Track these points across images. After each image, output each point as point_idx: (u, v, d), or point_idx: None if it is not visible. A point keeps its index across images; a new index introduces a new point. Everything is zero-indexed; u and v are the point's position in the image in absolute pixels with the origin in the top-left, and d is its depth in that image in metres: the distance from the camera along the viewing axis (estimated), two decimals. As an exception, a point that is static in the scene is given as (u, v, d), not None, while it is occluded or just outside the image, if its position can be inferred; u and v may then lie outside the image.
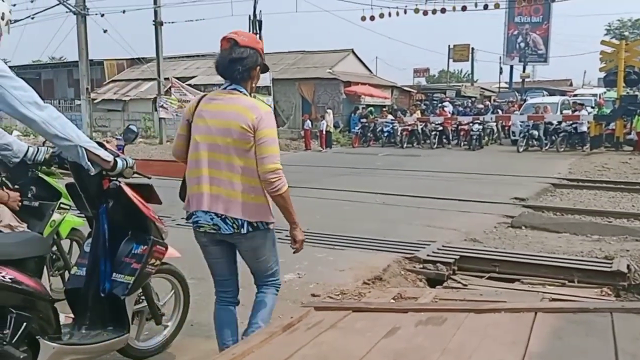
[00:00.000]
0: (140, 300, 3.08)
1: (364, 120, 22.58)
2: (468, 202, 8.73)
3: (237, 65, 2.60)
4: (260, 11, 23.57)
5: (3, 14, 2.68)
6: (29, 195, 3.44)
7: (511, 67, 42.33)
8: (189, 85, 24.76)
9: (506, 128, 22.08)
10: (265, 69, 2.74)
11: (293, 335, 2.47)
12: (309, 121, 21.97)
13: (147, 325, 3.22)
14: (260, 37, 23.55)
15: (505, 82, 42.82)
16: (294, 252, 2.83)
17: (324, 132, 21.02)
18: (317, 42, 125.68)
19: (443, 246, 5.82)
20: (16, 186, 3.41)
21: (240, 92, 2.65)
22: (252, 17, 23.41)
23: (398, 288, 4.64)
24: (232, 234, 2.66)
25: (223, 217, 2.63)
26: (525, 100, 24.65)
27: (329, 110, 22.51)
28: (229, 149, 2.59)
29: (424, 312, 2.55)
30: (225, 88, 2.69)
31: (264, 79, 23.28)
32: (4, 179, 3.51)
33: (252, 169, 2.60)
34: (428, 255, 5.44)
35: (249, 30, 23.32)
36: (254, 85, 2.71)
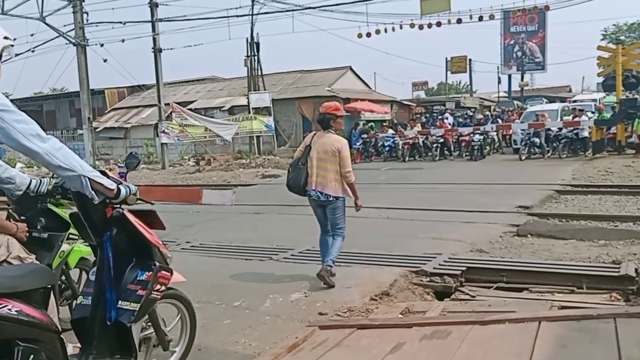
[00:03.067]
0: (147, 327, 3.08)
1: (364, 135, 22.60)
2: (473, 212, 8.71)
3: (330, 121, 5.20)
4: (257, 34, 23.94)
5: None
6: (39, 227, 3.46)
7: (509, 76, 42.50)
8: (190, 109, 24.93)
9: (507, 137, 22.06)
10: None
11: (298, 356, 2.47)
12: (310, 140, 21.94)
13: (154, 352, 3.21)
14: (258, 60, 23.91)
15: (505, 92, 42.95)
16: (357, 211, 5.23)
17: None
18: (315, 61, 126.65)
19: (449, 258, 5.80)
20: (22, 217, 3.44)
21: (330, 132, 5.20)
22: (249, 40, 23.73)
23: (406, 302, 4.62)
24: (324, 201, 5.11)
25: (322, 192, 5.09)
26: (524, 109, 24.62)
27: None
28: (327, 160, 5.10)
29: (429, 326, 2.55)
30: (323, 130, 5.23)
31: (264, 101, 23.53)
32: (11, 210, 3.54)
33: (337, 170, 5.08)
34: (435, 268, 5.43)
35: (246, 52, 23.73)
36: (336, 127, 5.24)
